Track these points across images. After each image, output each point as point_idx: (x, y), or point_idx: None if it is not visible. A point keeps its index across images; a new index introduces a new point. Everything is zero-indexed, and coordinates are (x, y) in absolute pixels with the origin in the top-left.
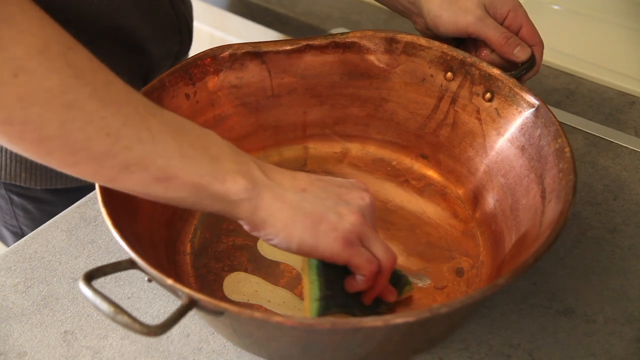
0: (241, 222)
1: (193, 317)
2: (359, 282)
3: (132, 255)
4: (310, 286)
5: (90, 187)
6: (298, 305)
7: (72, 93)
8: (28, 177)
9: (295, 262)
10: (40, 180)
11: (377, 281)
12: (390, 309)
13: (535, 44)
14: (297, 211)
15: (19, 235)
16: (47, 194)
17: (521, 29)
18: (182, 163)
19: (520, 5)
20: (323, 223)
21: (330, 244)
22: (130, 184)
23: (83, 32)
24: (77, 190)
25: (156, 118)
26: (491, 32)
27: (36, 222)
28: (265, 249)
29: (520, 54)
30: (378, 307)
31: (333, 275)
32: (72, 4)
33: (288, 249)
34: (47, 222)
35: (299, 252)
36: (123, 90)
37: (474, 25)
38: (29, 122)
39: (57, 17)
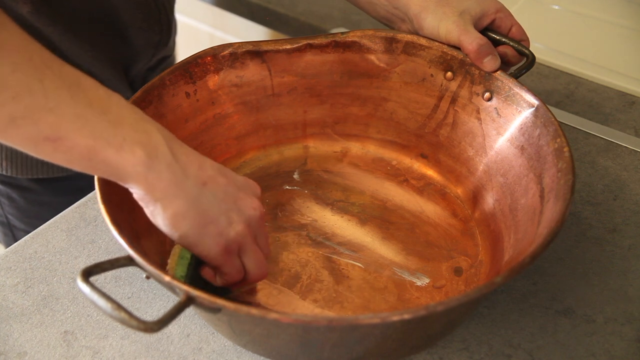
0: (131, 190)
1: (193, 317)
2: (217, 281)
3: (130, 251)
4: (180, 261)
5: (76, 177)
6: (296, 304)
7: None
8: (9, 166)
9: None
10: (22, 169)
11: (236, 283)
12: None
13: (526, 39)
14: (191, 205)
15: (4, 224)
16: (31, 183)
17: (512, 28)
18: (74, 122)
19: (505, 7)
20: (211, 225)
21: (211, 247)
22: (18, 139)
23: (64, 15)
24: (62, 180)
25: (52, 71)
26: (465, 40)
27: (21, 211)
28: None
29: (488, 64)
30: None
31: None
32: None
33: (168, 235)
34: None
35: (179, 242)
36: (17, 35)
37: (452, 33)
38: None
39: None
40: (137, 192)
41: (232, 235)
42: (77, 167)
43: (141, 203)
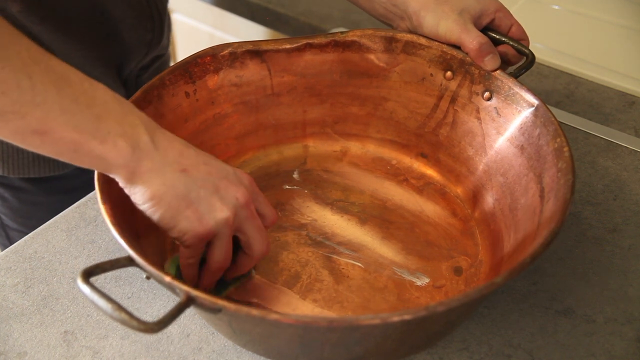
0: (117, 180)
1: (193, 317)
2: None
3: (130, 252)
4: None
5: (69, 176)
6: (296, 303)
7: None
8: (1, 166)
9: None
10: (14, 169)
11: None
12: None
13: (526, 38)
14: (168, 189)
15: None
16: (23, 182)
17: (512, 28)
18: (60, 117)
19: (504, 6)
20: (189, 210)
21: (187, 230)
22: (6, 132)
23: (54, 14)
24: (55, 179)
25: (39, 66)
26: (466, 38)
27: (14, 210)
28: None
29: (488, 63)
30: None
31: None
32: None
33: (150, 218)
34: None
35: (158, 224)
36: (6, 31)
37: (452, 31)
38: None
39: None
40: (121, 181)
41: (211, 223)
42: (65, 158)
43: (126, 191)
